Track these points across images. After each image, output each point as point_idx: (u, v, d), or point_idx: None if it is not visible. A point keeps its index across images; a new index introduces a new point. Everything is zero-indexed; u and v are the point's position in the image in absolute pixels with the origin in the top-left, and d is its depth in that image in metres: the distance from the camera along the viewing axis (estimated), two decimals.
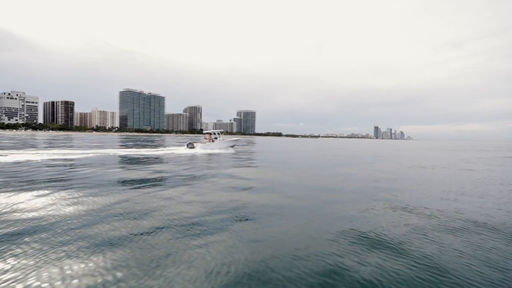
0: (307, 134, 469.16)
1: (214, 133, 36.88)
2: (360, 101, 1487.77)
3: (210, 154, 29.06)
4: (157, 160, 21.71)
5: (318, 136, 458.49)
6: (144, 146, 42.04)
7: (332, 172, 17.69)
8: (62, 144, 42.54)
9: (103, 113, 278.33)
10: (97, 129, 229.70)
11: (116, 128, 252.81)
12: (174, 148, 35.32)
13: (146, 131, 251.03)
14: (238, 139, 40.28)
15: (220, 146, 34.84)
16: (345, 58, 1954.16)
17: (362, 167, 20.81)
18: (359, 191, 11.29)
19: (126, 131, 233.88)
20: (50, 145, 40.09)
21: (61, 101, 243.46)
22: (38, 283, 3.86)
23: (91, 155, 23.72)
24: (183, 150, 32.49)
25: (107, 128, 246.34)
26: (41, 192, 9.30)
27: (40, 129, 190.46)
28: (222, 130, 40.64)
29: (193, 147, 34.51)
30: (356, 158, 30.35)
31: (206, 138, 37.29)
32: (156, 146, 41.90)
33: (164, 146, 41.31)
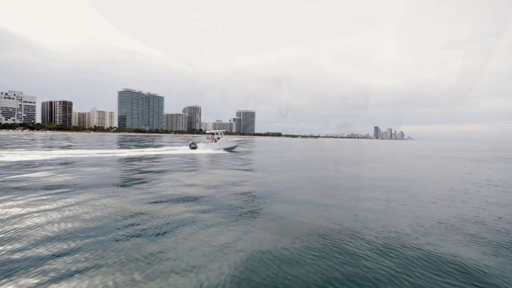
0: (307, 134, 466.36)
1: (217, 133, 35.33)
2: (360, 101, 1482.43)
3: (212, 155, 27.40)
4: (113, 162, 19.20)
5: (318, 136, 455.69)
6: (127, 147, 39.68)
7: (304, 176, 15.21)
8: (41, 144, 40.22)
9: (101, 113, 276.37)
10: (96, 129, 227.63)
11: (115, 128, 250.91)
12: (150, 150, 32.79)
13: (144, 131, 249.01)
14: (240, 140, 38.67)
15: (223, 147, 33.36)
16: (345, 58, 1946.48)
17: (341, 171, 18.32)
18: (309, 204, 8.74)
19: (125, 131, 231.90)
20: (21, 145, 37.71)
21: (59, 101, 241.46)
22: None
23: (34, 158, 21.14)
24: (163, 151, 30.17)
25: (105, 128, 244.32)
26: None
27: (38, 129, 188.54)
28: (224, 130, 39.30)
29: (196, 147, 33.08)
30: (345, 160, 28.01)
31: (209, 138, 35.58)
32: (138, 147, 39.40)
33: (138, 147, 38.82)
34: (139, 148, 36.13)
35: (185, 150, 32.21)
